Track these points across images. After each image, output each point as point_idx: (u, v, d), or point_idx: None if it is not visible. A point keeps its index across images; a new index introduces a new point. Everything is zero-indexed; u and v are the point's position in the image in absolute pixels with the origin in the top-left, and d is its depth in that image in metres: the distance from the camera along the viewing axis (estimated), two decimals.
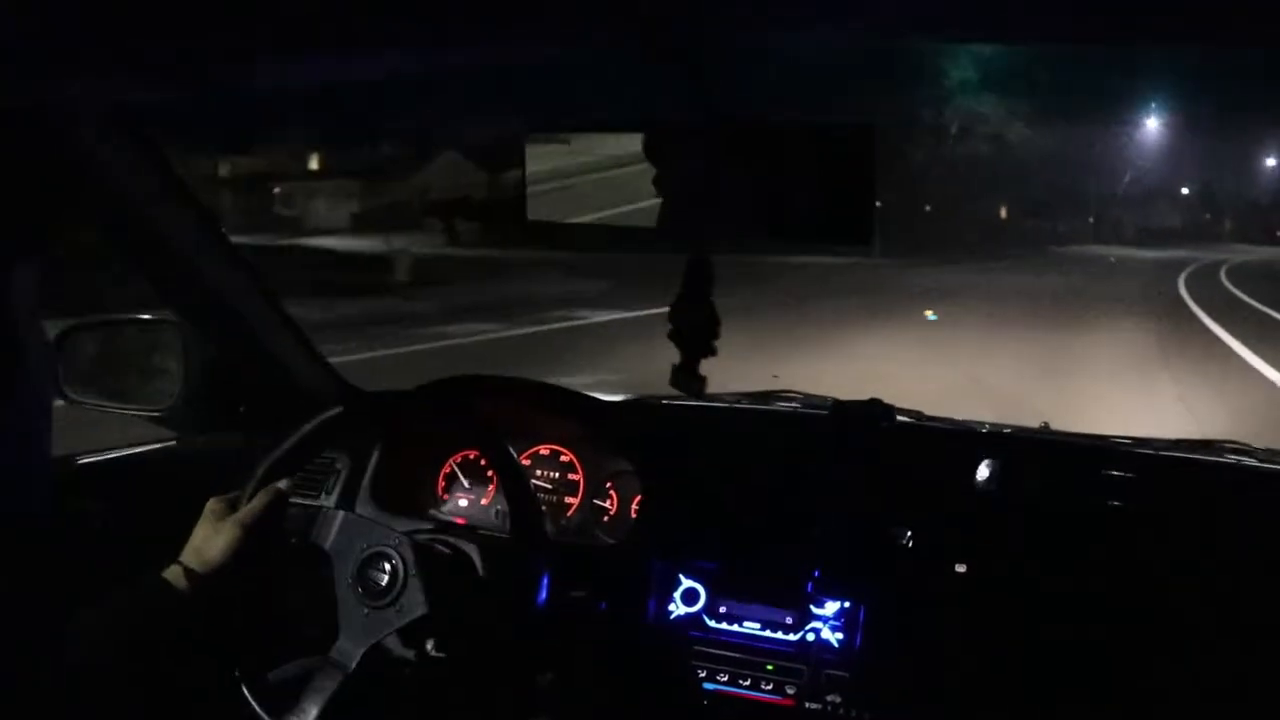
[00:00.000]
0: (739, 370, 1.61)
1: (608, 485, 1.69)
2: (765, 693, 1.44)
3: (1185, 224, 61.28)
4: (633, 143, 0.93)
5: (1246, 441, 1.63)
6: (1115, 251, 38.13)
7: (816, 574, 1.44)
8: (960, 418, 1.79)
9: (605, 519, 1.67)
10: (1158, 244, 46.55)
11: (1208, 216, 63.66)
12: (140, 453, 1.69)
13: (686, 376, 0.93)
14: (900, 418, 1.67)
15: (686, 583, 1.52)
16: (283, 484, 1.33)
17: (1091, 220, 52.75)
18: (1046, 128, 39.00)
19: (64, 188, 1.27)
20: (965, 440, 1.70)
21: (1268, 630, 1.29)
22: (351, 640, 1.32)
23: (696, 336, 0.92)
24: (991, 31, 0.80)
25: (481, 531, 1.59)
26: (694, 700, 1.46)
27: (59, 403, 1.46)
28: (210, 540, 1.26)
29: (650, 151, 0.90)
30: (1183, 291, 18.76)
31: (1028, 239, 34.82)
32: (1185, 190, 60.91)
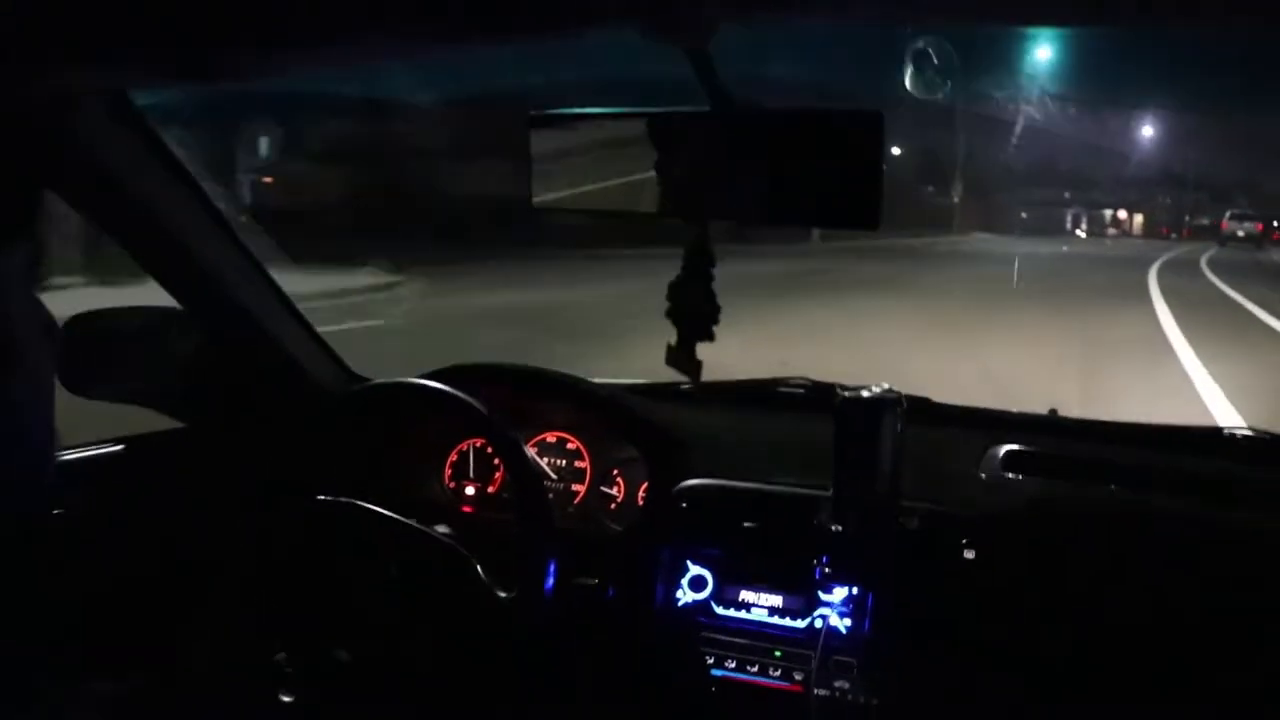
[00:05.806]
0: None
1: (614, 472, 1.68)
2: (773, 679, 1.43)
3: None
4: (637, 125, 0.92)
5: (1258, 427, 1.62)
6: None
7: (824, 560, 1.43)
8: (968, 404, 1.78)
9: (612, 506, 1.67)
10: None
11: (931, 189, 40.41)
12: (145, 441, 1.69)
13: (684, 358, 0.92)
14: (908, 404, 1.66)
15: (694, 569, 1.52)
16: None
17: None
18: None
19: (57, 173, 1.26)
20: (973, 426, 1.69)
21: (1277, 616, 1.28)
22: (358, 632, 1.32)
23: (695, 319, 0.91)
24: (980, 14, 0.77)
25: (488, 519, 1.58)
26: (702, 687, 1.45)
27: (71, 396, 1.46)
28: None
29: (656, 134, 0.89)
30: None
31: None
32: (897, 150, 33.16)
